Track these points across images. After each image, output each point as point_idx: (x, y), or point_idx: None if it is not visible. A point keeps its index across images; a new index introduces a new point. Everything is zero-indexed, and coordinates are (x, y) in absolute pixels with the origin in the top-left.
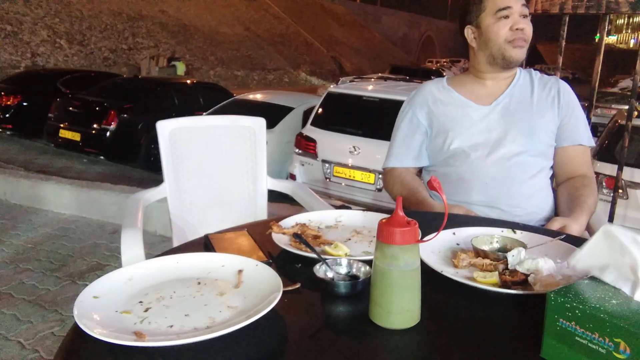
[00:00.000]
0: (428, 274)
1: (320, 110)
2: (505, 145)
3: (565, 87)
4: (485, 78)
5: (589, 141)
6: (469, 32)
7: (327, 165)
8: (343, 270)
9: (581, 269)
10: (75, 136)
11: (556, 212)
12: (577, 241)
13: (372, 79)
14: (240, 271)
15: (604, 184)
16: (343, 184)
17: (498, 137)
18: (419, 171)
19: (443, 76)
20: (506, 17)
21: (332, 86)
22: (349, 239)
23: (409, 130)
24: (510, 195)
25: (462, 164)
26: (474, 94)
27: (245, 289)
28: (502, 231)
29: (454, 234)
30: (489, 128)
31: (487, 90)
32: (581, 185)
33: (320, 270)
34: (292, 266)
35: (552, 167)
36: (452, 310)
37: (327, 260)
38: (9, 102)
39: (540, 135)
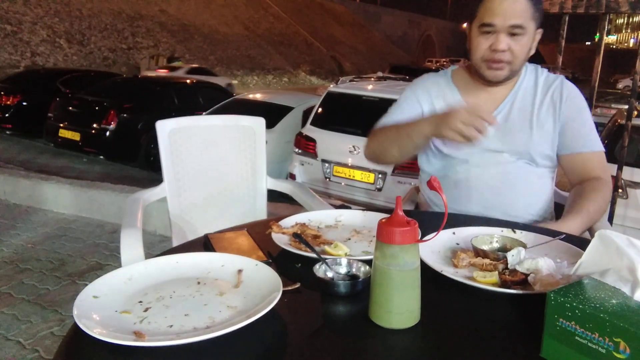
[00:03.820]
0: (428, 273)
1: (319, 109)
2: (502, 156)
3: (570, 91)
4: (483, 84)
5: (598, 146)
6: (467, 31)
7: (326, 164)
8: (343, 270)
9: (582, 275)
10: (75, 136)
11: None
12: (577, 241)
13: (372, 78)
14: (240, 271)
15: None
16: (343, 184)
17: (496, 148)
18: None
19: None
20: (488, 32)
21: (331, 86)
22: (349, 239)
23: (407, 107)
24: (508, 205)
25: (457, 172)
26: (474, 99)
27: (245, 289)
28: (502, 231)
29: (453, 233)
30: (487, 139)
31: (488, 95)
32: (590, 190)
33: (320, 270)
34: (291, 266)
35: (554, 170)
36: (452, 310)
37: (326, 260)
38: (8, 102)
39: (538, 148)
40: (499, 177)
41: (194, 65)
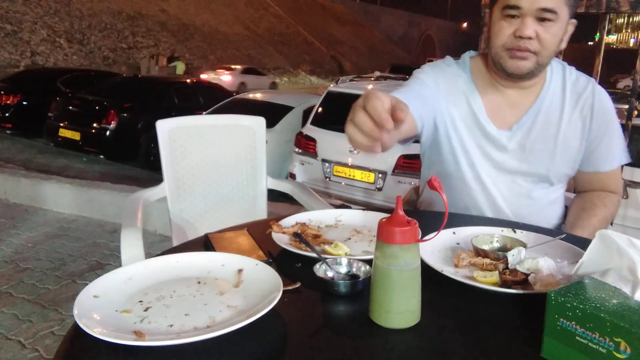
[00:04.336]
0: (428, 273)
1: (320, 109)
2: (515, 182)
3: (601, 102)
4: (502, 85)
5: (621, 160)
6: (487, 17)
7: (327, 164)
8: (343, 269)
9: (583, 275)
10: (75, 135)
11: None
12: (578, 241)
13: (372, 78)
14: (240, 270)
15: None
16: (343, 183)
17: (511, 169)
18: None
19: None
20: (512, 16)
21: (331, 85)
22: (349, 239)
23: (419, 87)
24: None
25: (466, 197)
26: (494, 107)
27: (245, 289)
28: (502, 230)
29: (454, 233)
30: (503, 159)
31: (509, 103)
32: (600, 204)
33: (320, 270)
34: (292, 265)
35: (567, 183)
36: (452, 310)
37: (327, 260)
38: (8, 101)
39: (559, 169)
40: (511, 211)
41: (246, 66)
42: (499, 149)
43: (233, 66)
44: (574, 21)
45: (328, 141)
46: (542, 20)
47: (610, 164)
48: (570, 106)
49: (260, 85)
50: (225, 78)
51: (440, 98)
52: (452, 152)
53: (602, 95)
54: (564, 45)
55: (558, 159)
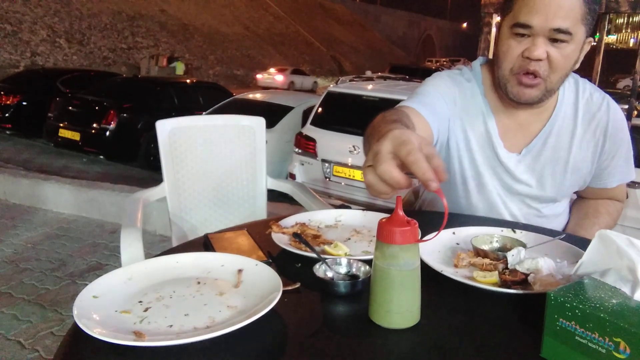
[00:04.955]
0: (428, 273)
1: (320, 109)
2: (524, 201)
3: (616, 123)
4: (512, 105)
5: (628, 177)
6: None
7: (326, 164)
8: (343, 269)
9: (583, 275)
10: (75, 135)
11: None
12: (578, 241)
13: (374, 78)
14: (240, 271)
15: None
16: (343, 184)
17: (519, 192)
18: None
19: None
20: (522, 35)
21: (331, 85)
22: (349, 239)
23: (439, 102)
24: None
25: (472, 211)
26: (505, 128)
27: (245, 289)
28: (502, 231)
29: (453, 233)
30: (513, 179)
31: (519, 125)
32: (605, 212)
33: (320, 270)
34: (291, 266)
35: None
36: (452, 310)
37: (326, 260)
38: (8, 102)
39: (568, 191)
40: (515, 216)
41: (294, 67)
42: (509, 173)
43: (284, 67)
44: (591, 40)
45: (328, 141)
46: (554, 41)
47: (619, 180)
48: (583, 127)
49: (305, 84)
50: (278, 78)
51: (456, 118)
52: (461, 173)
53: (617, 115)
54: (577, 65)
55: (568, 182)
